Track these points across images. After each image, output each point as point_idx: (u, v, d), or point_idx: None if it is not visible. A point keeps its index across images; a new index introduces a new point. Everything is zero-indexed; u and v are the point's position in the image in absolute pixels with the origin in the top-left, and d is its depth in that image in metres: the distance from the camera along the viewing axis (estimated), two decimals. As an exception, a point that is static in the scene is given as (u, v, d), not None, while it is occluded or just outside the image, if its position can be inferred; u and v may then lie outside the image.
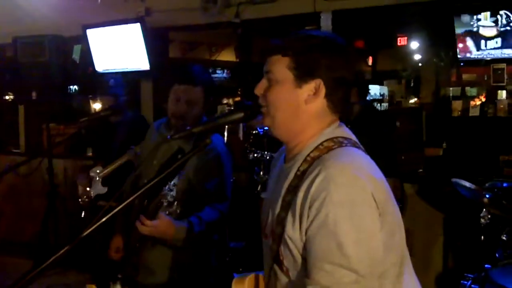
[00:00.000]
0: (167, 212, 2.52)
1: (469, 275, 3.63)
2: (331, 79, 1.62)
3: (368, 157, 1.62)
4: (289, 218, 1.55)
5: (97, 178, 4.37)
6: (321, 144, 1.61)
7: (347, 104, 1.70)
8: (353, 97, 4.32)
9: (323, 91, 1.62)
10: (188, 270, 2.91)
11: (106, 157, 4.63)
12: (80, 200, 4.50)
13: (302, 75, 1.63)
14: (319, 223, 1.45)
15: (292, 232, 1.53)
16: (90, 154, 5.65)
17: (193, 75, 2.92)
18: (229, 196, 2.96)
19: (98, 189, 4.42)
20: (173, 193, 2.57)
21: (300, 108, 1.64)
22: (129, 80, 5.40)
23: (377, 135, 4.28)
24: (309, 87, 1.63)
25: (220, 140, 2.53)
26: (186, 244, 2.70)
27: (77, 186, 4.61)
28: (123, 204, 1.64)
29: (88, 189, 4.42)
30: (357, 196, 1.46)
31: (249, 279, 1.80)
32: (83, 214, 4.53)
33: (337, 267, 1.42)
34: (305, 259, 1.51)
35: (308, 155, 1.60)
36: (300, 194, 1.53)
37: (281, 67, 1.65)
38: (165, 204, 2.52)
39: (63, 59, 6.10)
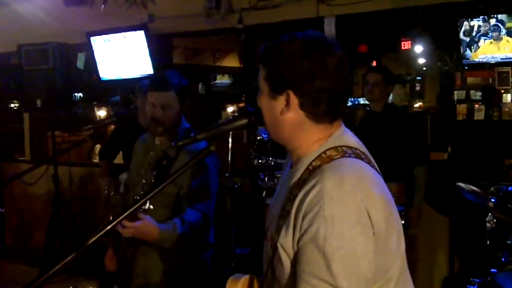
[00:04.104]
0: (141, 210, 2.53)
1: (475, 279, 3.62)
2: (306, 90, 1.55)
3: (372, 170, 1.58)
4: (284, 226, 1.53)
5: (124, 184, 4.39)
6: (324, 152, 1.56)
7: (336, 113, 1.60)
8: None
9: (295, 102, 1.56)
10: (182, 274, 2.93)
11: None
12: (108, 204, 4.52)
13: (273, 87, 1.59)
14: (309, 236, 1.43)
15: (285, 240, 1.52)
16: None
17: (164, 80, 2.98)
18: (213, 196, 2.97)
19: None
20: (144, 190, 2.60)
21: (277, 119, 1.61)
22: (125, 87, 5.38)
23: (405, 126, 4.36)
24: (281, 98, 1.58)
25: (204, 142, 2.49)
26: (172, 246, 2.73)
27: (103, 189, 4.61)
28: (127, 212, 1.67)
29: (115, 193, 4.43)
30: (350, 214, 1.41)
31: (244, 281, 1.79)
32: (111, 218, 4.54)
33: (322, 283, 1.39)
34: (295, 268, 1.50)
35: (310, 163, 1.56)
36: (295, 204, 1.50)
37: (261, 77, 1.64)
38: (142, 194, 2.53)
39: (67, 67, 6.11)
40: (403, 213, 3.94)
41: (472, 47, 4.82)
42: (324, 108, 1.57)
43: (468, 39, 4.80)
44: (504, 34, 4.62)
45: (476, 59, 4.85)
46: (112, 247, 3.14)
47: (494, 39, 4.68)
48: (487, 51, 4.75)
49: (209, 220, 2.93)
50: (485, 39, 4.71)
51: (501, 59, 4.74)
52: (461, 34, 4.82)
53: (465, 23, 4.77)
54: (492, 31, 4.67)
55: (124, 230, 2.53)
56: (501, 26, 4.62)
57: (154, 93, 2.95)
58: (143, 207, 2.51)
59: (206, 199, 2.93)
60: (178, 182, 2.85)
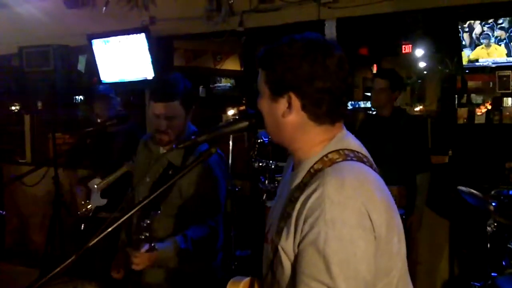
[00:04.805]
0: (147, 247, 2.49)
1: (476, 283, 3.63)
2: (307, 92, 1.55)
3: (374, 173, 1.58)
4: (285, 229, 1.53)
5: (96, 191, 4.39)
6: (326, 155, 1.56)
7: (337, 114, 1.60)
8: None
9: (297, 104, 1.57)
10: (192, 283, 2.84)
11: (104, 168, 4.62)
12: (78, 212, 4.50)
13: (274, 90, 1.60)
14: (310, 240, 1.43)
15: (285, 243, 1.52)
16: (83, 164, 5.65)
17: (167, 90, 2.79)
18: (222, 203, 2.87)
19: (98, 201, 4.44)
20: (147, 233, 2.51)
21: (279, 121, 1.61)
22: (126, 89, 5.39)
23: (409, 133, 4.33)
24: (283, 101, 1.59)
25: (206, 147, 2.40)
26: (175, 264, 2.64)
27: (75, 198, 4.59)
28: (121, 220, 1.67)
29: (87, 201, 4.43)
30: (351, 218, 1.42)
31: (245, 283, 1.79)
32: (82, 226, 4.52)
33: (322, 286, 1.39)
34: (295, 271, 1.50)
35: (312, 166, 1.56)
36: (297, 207, 1.50)
37: (261, 81, 1.64)
38: (142, 238, 2.51)
39: (68, 69, 6.12)
40: (403, 217, 3.94)
41: (473, 50, 4.82)
42: (326, 109, 1.57)
43: (469, 43, 4.80)
44: (506, 37, 4.63)
45: (477, 63, 4.85)
46: (120, 259, 3.02)
47: (495, 43, 4.68)
48: (488, 55, 4.75)
49: (218, 233, 2.83)
50: (488, 42, 4.71)
51: (502, 62, 4.74)
52: (462, 38, 4.82)
53: (467, 26, 4.77)
54: (494, 36, 4.67)
55: (135, 267, 2.52)
56: (504, 30, 4.62)
57: (158, 104, 2.77)
58: (149, 243, 2.49)
59: (215, 211, 2.83)
60: (184, 193, 2.77)
